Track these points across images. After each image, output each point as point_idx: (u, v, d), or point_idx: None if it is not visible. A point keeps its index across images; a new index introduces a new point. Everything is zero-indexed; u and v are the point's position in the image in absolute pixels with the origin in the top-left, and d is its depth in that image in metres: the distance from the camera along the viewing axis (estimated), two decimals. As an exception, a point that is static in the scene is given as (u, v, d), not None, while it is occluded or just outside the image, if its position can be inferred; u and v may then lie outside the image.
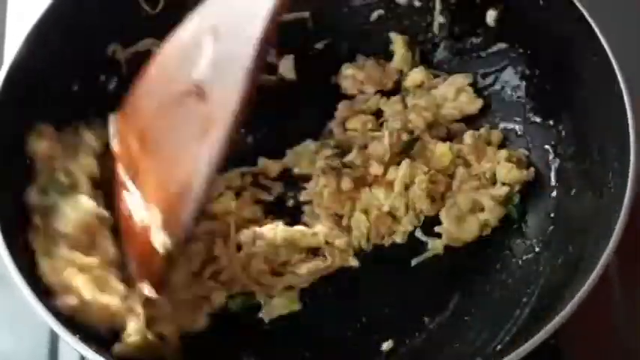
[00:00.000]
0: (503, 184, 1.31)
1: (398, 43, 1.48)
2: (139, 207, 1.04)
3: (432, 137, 1.38)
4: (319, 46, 1.52)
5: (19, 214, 1.13)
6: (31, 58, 1.19)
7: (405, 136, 1.35)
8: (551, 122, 1.32)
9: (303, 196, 1.35)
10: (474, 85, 1.44)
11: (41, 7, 1.22)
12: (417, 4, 1.47)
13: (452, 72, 1.46)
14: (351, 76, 1.48)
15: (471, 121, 1.42)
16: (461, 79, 1.44)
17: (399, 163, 1.33)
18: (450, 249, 1.30)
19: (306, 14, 1.50)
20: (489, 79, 1.43)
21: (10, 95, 1.16)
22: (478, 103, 1.42)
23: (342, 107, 1.45)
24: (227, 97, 0.96)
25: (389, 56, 1.49)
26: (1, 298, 1.31)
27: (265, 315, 1.23)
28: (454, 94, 1.42)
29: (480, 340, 1.19)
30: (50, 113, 1.27)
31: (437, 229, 1.30)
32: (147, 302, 1.07)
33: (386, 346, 1.21)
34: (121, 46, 1.39)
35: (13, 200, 1.13)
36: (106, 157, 1.19)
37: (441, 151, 1.34)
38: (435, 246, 1.29)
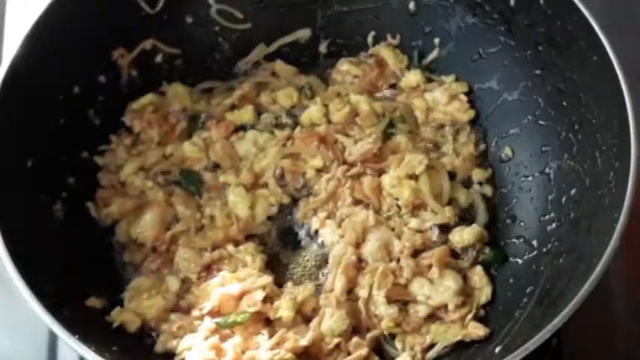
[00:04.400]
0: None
1: (386, 48, 1.50)
2: None
3: (414, 146, 1.39)
4: (322, 48, 1.53)
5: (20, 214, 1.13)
6: (30, 57, 1.19)
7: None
8: (550, 123, 1.32)
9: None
10: (469, 94, 1.44)
11: (40, 7, 1.22)
12: (411, 8, 1.47)
13: (448, 73, 1.47)
14: (345, 70, 1.49)
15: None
16: (456, 86, 1.45)
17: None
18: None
19: (308, 32, 1.51)
20: (487, 81, 1.43)
21: (10, 95, 1.15)
22: (470, 114, 1.43)
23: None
24: None
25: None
26: (0, 299, 1.31)
27: None
28: (447, 99, 1.43)
29: (481, 340, 1.19)
30: (51, 113, 1.27)
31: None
32: None
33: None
34: (126, 50, 1.39)
35: (13, 200, 1.13)
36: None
37: None
38: None
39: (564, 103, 1.28)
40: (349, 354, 1.19)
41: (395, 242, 1.29)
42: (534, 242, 1.27)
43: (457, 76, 1.47)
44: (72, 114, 1.31)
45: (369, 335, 1.22)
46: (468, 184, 1.39)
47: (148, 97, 1.42)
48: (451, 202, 1.35)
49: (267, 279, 1.25)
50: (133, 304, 1.22)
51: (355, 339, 1.20)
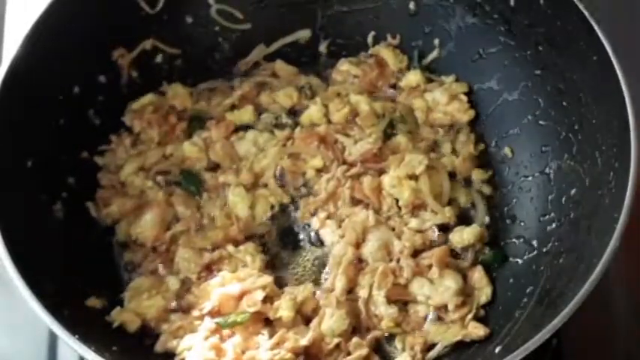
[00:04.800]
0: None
1: (386, 48, 1.50)
2: None
3: (414, 146, 1.38)
4: (322, 48, 1.53)
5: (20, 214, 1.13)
6: (30, 57, 1.19)
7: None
8: (550, 123, 1.32)
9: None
10: (469, 94, 1.45)
11: (40, 7, 1.22)
12: (411, 9, 1.47)
13: (448, 73, 1.47)
14: (345, 70, 1.49)
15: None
16: (456, 86, 1.45)
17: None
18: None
19: (308, 32, 1.51)
20: (487, 81, 1.43)
21: (10, 95, 1.15)
22: (470, 114, 1.43)
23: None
24: None
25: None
26: (0, 299, 1.31)
27: None
28: (447, 99, 1.43)
29: (481, 340, 1.19)
30: (51, 113, 1.27)
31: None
32: None
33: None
34: (126, 50, 1.39)
35: (13, 200, 1.13)
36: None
37: None
38: None
39: (564, 103, 1.28)
40: (349, 354, 1.19)
41: (395, 242, 1.29)
42: (534, 242, 1.27)
43: (457, 76, 1.47)
44: (72, 114, 1.31)
45: (369, 335, 1.22)
46: (468, 184, 1.40)
47: (148, 97, 1.42)
48: (451, 202, 1.35)
49: (267, 279, 1.25)
50: (133, 304, 1.22)
51: (355, 339, 1.20)
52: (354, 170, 1.35)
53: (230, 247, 1.30)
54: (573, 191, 1.23)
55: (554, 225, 1.26)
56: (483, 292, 1.25)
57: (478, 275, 1.26)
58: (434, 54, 1.49)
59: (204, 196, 1.37)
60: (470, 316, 1.21)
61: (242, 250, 1.30)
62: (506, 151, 1.40)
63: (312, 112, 1.43)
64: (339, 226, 1.32)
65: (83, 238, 1.28)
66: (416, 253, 1.28)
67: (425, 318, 1.23)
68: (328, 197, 1.35)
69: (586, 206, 1.18)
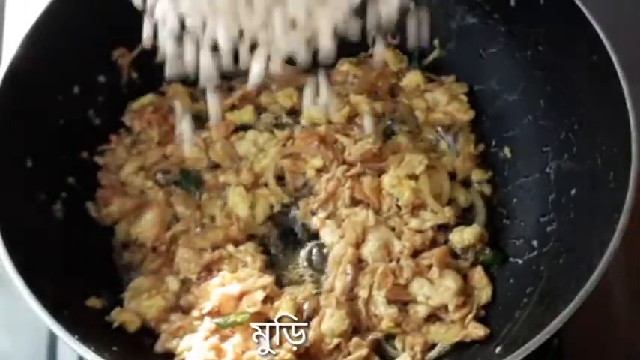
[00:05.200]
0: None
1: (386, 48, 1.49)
2: None
3: (414, 146, 1.39)
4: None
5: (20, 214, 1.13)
6: (30, 57, 1.19)
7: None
8: (550, 123, 1.32)
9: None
10: (469, 94, 1.45)
11: (40, 7, 1.22)
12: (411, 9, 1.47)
13: (448, 73, 1.47)
14: (345, 70, 1.49)
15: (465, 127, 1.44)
16: (456, 86, 1.45)
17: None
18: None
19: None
20: (487, 81, 1.43)
21: (10, 94, 1.15)
22: (470, 114, 1.44)
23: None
24: None
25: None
26: (0, 299, 1.31)
27: None
28: (447, 99, 1.43)
29: (482, 341, 1.19)
30: (51, 113, 1.27)
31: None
32: None
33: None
34: (126, 50, 1.39)
35: (13, 200, 1.13)
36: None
37: None
38: None
39: (564, 103, 1.28)
40: (349, 354, 1.19)
41: (395, 242, 1.29)
42: (534, 242, 1.27)
43: (457, 76, 1.47)
44: (72, 114, 1.31)
45: (369, 335, 1.22)
46: (467, 184, 1.40)
47: (148, 97, 1.42)
48: (451, 202, 1.35)
49: (268, 279, 1.25)
50: (133, 304, 1.22)
51: (355, 339, 1.20)
52: (354, 170, 1.35)
53: (230, 247, 1.30)
54: (573, 191, 1.23)
55: (554, 225, 1.26)
56: (483, 292, 1.25)
57: (478, 275, 1.26)
58: (434, 54, 1.49)
59: (204, 196, 1.37)
60: (470, 316, 1.21)
61: (242, 250, 1.30)
62: (506, 151, 1.40)
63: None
64: (339, 226, 1.32)
65: (83, 238, 1.28)
66: (416, 253, 1.28)
67: (425, 318, 1.23)
68: (328, 197, 1.35)
69: (586, 206, 1.18)
